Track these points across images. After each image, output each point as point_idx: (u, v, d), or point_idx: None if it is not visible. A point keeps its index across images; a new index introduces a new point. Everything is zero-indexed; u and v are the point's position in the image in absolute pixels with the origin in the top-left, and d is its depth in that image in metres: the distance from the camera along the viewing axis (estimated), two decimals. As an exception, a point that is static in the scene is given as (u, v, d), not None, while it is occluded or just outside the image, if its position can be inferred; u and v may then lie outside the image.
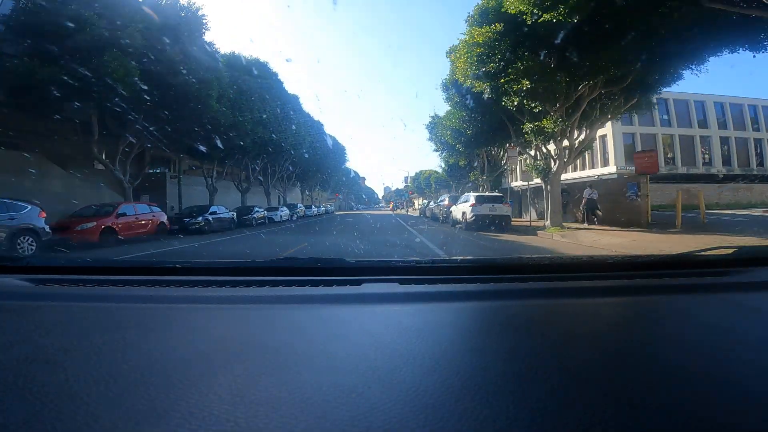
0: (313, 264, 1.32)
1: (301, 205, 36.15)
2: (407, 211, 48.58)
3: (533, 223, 15.09)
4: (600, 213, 13.57)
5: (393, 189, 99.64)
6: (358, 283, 1.08)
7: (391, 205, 54.09)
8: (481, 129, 16.17)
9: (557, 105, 11.32)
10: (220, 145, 18.72)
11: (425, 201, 32.17)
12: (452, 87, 15.76)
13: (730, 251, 1.30)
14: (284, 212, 29.02)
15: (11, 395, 0.53)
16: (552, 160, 13.30)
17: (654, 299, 0.98)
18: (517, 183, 28.27)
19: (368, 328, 0.80)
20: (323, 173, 43.01)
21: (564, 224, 12.70)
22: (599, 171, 30.35)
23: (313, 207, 40.25)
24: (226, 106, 17.31)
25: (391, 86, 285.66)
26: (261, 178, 30.20)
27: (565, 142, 12.50)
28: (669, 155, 32.17)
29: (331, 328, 0.81)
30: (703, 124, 33.28)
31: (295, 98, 29.13)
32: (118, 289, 1.08)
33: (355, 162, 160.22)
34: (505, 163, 21.46)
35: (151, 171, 23.46)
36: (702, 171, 31.39)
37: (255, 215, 22.39)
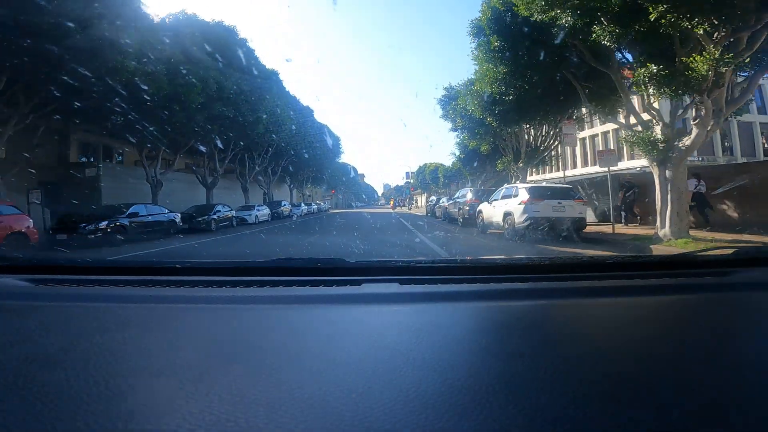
0: (313, 264, 1.27)
1: (286, 202, 30.83)
2: (409, 209, 43.30)
3: (617, 229, 9.81)
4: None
5: (393, 186, 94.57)
6: (358, 283, 1.07)
7: (392, 203, 48.59)
8: (528, 92, 10.80)
9: (719, 33, 6.06)
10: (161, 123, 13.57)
11: (433, 197, 26.63)
12: (491, 26, 10.22)
13: (730, 251, 1.29)
14: (262, 212, 23.77)
15: (11, 395, 0.53)
16: (665, 128, 7.98)
17: (654, 299, 0.96)
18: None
19: (368, 328, 0.80)
20: (314, 166, 37.63)
21: (688, 232, 7.45)
22: (642, 162, 25.13)
23: (302, 205, 35.00)
24: (159, 70, 12.17)
25: (391, 86, 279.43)
26: (250, 173, 25.04)
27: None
28: (726, 144, 27.11)
29: (331, 329, 0.81)
30: (763, 110, 28.30)
31: (274, 74, 23.78)
32: (118, 289, 1.07)
33: (354, 160, 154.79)
34: (547, 146, 16.05)
35: (78, 161, 18.21)
36: (764, 161, 26.32)
37: (215, 216, 17.11)
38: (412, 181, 57.51)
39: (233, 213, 19.76)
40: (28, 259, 1.45)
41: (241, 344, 0.72)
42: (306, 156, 34.19)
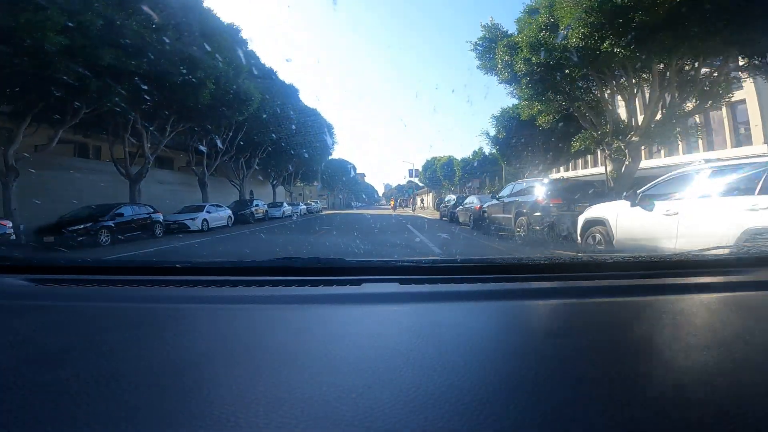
0: (313, 264, 1.27)
1: (261, 202, 24.28)
2: (414, 210, 36.72)
3: None
4: None
5: (394, 186, 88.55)
6: (358, 283, 1.06)
7: (392, 203, 42.84)
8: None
9: None
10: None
11: (451, 197, 19.68)
12: None
13: (730, 251, 1.30)
14: (217, 215, 17.41)
15: (11, 395, 0.53)
16: None
17: (654, 299, 0.95)
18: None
19: (368, 328, 0.80)
20: (302, 159, 31.06)
21: None
22: (729, 152, 18.45)
23: (284, 206, 28.49)
24: None
25: (391, 85, 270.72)
26: (212, 165, 18.61)
27: None
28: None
29: (331, 328, 0.81)
30: None
31: (233, 30, 17.27)
32: (118, 288, 1.07)
33: (355, 160, 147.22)
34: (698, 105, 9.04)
35: None
36: None
37: (110, 223, 10.62)
38: (416, 179, 50.41)
39: (159, 217, 13.27)
40: (28, 259, 1.44)
41: (241, 344, 0.71)
42: (291, 146, 27.75)
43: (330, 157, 64.32)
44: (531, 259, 1.32)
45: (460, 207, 15.21)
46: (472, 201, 13.94)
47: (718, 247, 1.33)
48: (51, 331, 0.77)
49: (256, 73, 21.19)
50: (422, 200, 44.89)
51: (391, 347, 0.66)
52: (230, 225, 18.27)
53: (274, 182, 33.31)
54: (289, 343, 0.71)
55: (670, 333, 0.75)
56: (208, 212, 16.55)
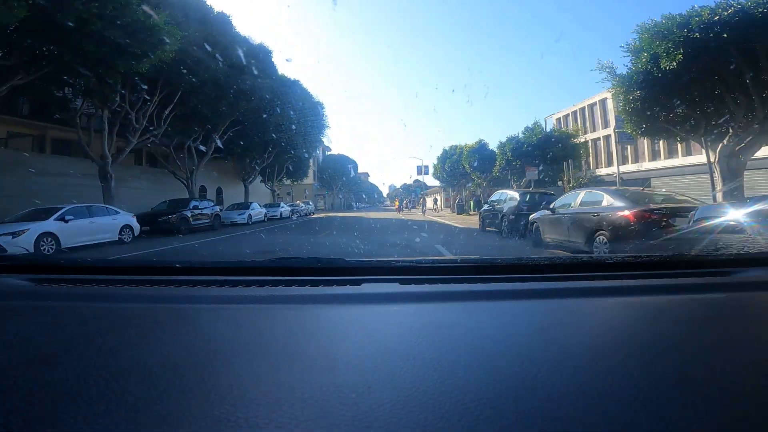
0: (313, 264, 1.27)
1: (206, 203, 16.68)
2: (424, 212, 29.10)
3: None
4: None
5: (399, 186, 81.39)
6: (358, 282, 1.06)
7: (396, 204, 36.78)
8: None
9: None
10: None
11: (509, 195, 11.20)
12: None
13: (730, 251, 1.26)
14: (90, 225, 9.93)
15: (11, 395, 0.53)
16: None
17: (654, 299, 0.95)
18: None
19: (368, 328, 0.80)
20: (284, 144, 23.44)
21: None
22: None
23: (254, 207, 21.08)
24: None
25: (393, 85, 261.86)
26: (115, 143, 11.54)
27: None
28: None
29: (331, 328, 0.81)
30: None
31: None
32: (118, 288, 1.06)
33: (359, 160, 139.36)
34: None
35: None
36: None
37: None
38: (427, 177, 42.54)
39: None
40: (28, 259, 1.42)
41: (241, 344, 0.71)
42: (265, 127, 20.26)
43: (329, 153, 57.04)
44: (531, 259, 1.32)
45: (544, 215, 7.54)
46: (598, 199, 6.27)
47: (717, 247, 1.20)
48: (51, 331, 0.78)
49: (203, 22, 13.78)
50: (435, 200, 37.04)
51: (391, 347, 0.67)
52: (129, 241, 10.75)
53: (248, 177, 25.78)
54: (289, 343, 0.71)
55: (671, 333, 0.75)
56: (64, 220, 8.96)
